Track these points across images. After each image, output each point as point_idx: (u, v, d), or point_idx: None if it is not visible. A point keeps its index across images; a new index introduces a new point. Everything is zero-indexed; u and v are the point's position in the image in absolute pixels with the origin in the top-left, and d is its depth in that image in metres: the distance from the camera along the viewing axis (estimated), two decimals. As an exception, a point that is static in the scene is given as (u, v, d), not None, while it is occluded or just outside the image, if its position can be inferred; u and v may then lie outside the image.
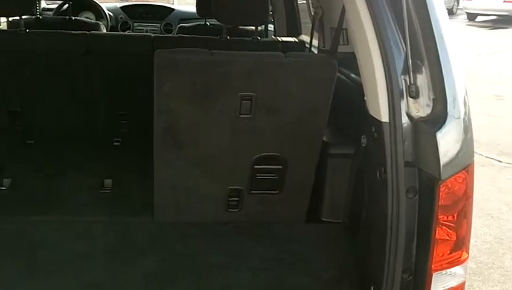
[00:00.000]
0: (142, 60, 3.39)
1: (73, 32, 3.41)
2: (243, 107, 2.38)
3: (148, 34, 4.29)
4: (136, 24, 6.13)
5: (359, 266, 2.26)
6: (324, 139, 2.64)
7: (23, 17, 3.29)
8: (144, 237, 2.51)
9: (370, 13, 1.78)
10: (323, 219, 2.73)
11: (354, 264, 2.32)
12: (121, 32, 5.58)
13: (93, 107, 3.56)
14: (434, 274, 1.83)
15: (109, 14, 5.87)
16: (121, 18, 6.13)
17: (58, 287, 2.10)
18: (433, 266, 1.81)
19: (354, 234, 2.44)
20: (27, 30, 3.34)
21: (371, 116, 1.95)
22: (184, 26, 4.63)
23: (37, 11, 4.48)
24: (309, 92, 2.43)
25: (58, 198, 2.80)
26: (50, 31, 3.47)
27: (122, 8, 6.23)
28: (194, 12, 6.12)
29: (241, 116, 2.40)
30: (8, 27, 4.16)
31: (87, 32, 3.40)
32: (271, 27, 4.87)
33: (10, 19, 4.03)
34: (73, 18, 4.57)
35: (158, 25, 6.09)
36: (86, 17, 5.65)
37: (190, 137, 2.44)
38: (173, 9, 6.32)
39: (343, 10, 2.67)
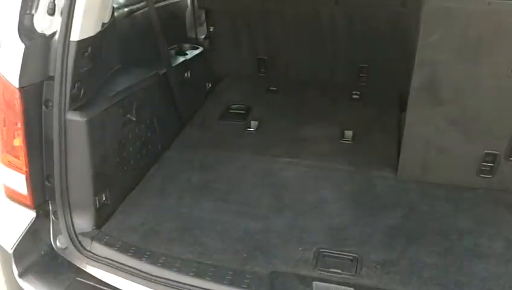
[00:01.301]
0: (390, 13, 3.32)
1: None
2: None
3: None
4: None
5: None
6: None
7: None
8: (386, 191, 2.49)
9: None
10: None
11: None
12: None
13: (336, 57, 3.61)
14: None
15: None
16: None
17: (308, 227, 2.20)
18: None
19: None
20: None
21: None
22: None
23: None
24: None
25: (302, 143, 2.92)
26: None
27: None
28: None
29: None
30: None
31: None
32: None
33: None
34: None
35: None
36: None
37: (452, 93, 2.30)
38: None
39: None
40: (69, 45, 1.93)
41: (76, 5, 1.91)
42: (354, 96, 3.52)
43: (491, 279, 1.93)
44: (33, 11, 1.93)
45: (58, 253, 2.12)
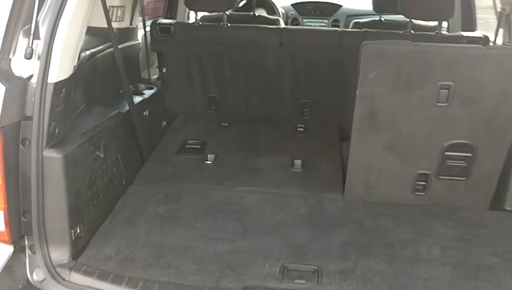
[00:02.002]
0: (329, 54, 3.69)
1: (269, 26, 3.79)
2: (441, 95, 2.52)
3: (336, 28, 4.54)
4: (305, 20, 6.48)
5: None
6: None
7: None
8: (337, 211, 2.76)
9: None
10: (506, 208, 2.77)
11: None
12: (312, 27, 5.89)
13: (281, 94, 3.92)
14: None
15: (281, 12, 6.28)
16: (291, 14, 6.52)
17: (271, 247, 2.42)
18: None
19: None
20: (228, 24, 3.78)
21: None
22: (359, 22, 4.83)
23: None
24: (506, 83, 2.49)
25: (256, 172, 3.16)
26: (248, 25, 3.90)
27: (292, 5, 6.61)
28: (360, 9, 6.36)
29: (438, 104, 2.55)
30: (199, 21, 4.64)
31: (281, 27, 3.76)
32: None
33: (200, 14, 4.47)
34: (256, 14, 4.99)
35: (326, 21, 6.38)
36: (259, 14, 6.10)
37: (388, 122, 2.63)
38: (341, 5, 6.54)
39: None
40: (46, 86, 2.09)
41: (53, 51, 2.08)
42: (299, 129, 3.84)
43: (432, 279, 2.22)
44: (11, 56, 2.09)
45: (36, 286, 2.21)
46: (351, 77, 2.72)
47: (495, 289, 2.18)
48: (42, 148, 2.12)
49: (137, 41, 3.72)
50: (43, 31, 2.08)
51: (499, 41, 3.54)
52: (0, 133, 2.01)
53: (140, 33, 3.80)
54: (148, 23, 3.80)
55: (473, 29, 4.39)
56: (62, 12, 2.06)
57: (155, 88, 3.64)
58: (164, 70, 3.90)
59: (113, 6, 3.23)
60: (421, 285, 2.19)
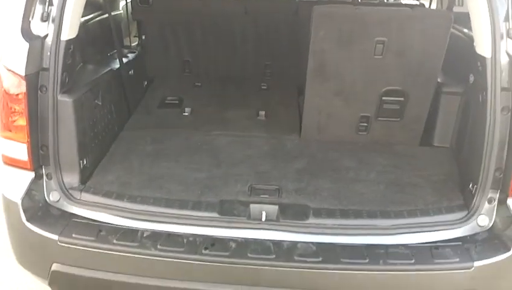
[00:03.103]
0: (288, 20, 4.26)
1: None
2: (377, 49, 3.12)
3: None
4: None
5: (461, 173, 2.94)
6: (439, 80, 3.31)
7: None
8: (294, 148, 3.37)
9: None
10: (434, 144, 3.41)
11: (457, 172, 3.00)
12: None
13: (246, 57, 4.49)
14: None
15: None
16: None
17: (241, 173, 3.00)
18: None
19: (458, 155, 3.12)
20: None
21: (478, 54, 2.61)
22: None
23: None
24: (429, 38, 3.10)
25: (226, 121, 3.74)
26: None
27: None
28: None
29: (375, 56, 3.15)
30: None
31: None
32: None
33: None
34: None
35: None
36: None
37: (335, 72, 3.23)
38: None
39: (460, -26, 3.30)
40: (59, 43, 2.60)
41: (64, 14, 2.59)
42: (262, 87, 4.43)
43: (368, 193, 2.84)
44: (30, 19, 2.59)
45: (52, 205, 2.74)
46: (306, 39, 3.28)
47: (417, 199, 2.79)
48: (57, 94, 2.63)
49: (119, 12, 4.21)
50: None
51: (433, 7, 4.17)
52: (26, 80, 2.53)
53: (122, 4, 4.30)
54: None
55: None
56: None
57: (136, 52, 4.16)
58: (143, 37, 4.42)
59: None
60: (359, 197, 2.81)
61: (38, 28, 2.60)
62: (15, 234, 2.73)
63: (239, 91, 4.35)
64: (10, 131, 2.67)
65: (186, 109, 3.89)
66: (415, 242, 2.52)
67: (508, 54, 2.47)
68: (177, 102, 4.05)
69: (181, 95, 4.19)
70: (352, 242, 2.51)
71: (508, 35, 2.46)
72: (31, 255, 2.71)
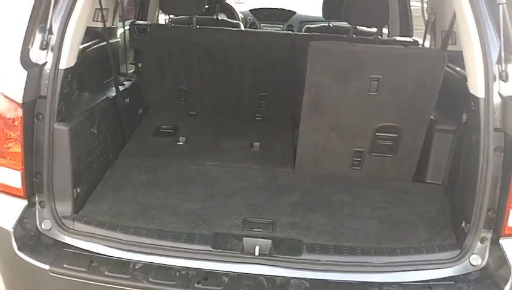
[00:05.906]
0: (284, 53, 4.32)
1: (232, 28, 4.40)
2: (372, 86, 3.17)
3: (289, 32, 5.19)
4: (262, 25, 7.14)
5: (454, 211, 2.96)
6: (432, 117, 3.36)
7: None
8: (288, 181, 3.37)
9: (474, 17, 2.49)
10: (427, 181, 3.44)
11: (450, 210, 3.02)
12: (270, 30, 6.56)
13: (242, 88, 4.53)
14: (511, 211, 2.51)
15: (240, 16, 6.91)
16: (250, 19, 7.17)
17: (235, 205, 2.99)
18: (511, 205, 2.49)
19: (451, 192, 3.14)
20: (197, 26, 4.37)
21: (471, 94, 2.66)
22: (310, 27, 5.50)
23: None
24: (423, 76, 3.15)
25: (221, 151, 3.74)
26: (214, 27, 4.49)
27: (251, 10, 7.26)
28: (312, 16, 7.06)
29: (370, 93, 3.19)
30: (171, 23, 5.21)
31: (243, 30, 4.37)
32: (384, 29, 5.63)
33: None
34: (219, 18, 5.59)
35: (281, 26, 7.06)
36: (221, 18, 6.69)
37: (330, 106, 3.26)
38: (295, 12, 7.23)
39: (454, 15, 3.37)
40: (58, 72, 2.62)
41: (64, 43, 2.61)
42: (257, 118, 4.46)
43: (362, 230, 2.85)
44: (30, 46, 2.60)
45: (44, 234, 2.71)
46: (302, 72, 3.33)
47: (410, 236, 2.80)
48: (53, 122, 2.63)
49: (117, 40, 4.24)
50: (55, 27, 2.62)
51: (427, 44, 4.24)
52: (23, 107, 2.53)
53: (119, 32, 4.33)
54: (126, 23, 4.35)
55: (410, 35, 5.12)
56: (72, 13, 2.61)
57: (132, 80, 4.18)
58: (140, 65, 4.44)
59: (99, 9, 3.75)
60: (353, 233, 2.81)
61: (37, 56, 2.62)
62: (6, 263, 2.69)
63: (234, 121, 4.37)
64: (5, 158, 2.66)
65: (181, 138, 3.89)
66: (408, 280, 2.52)
67: (500, 95, 2.51)
68: (171, 131, 4.05)
69: (176, 123, 4.20)
70: (346, 279, 2.50)
71: (500, 77, 2.51)
72: (22, 284, 2.67)
